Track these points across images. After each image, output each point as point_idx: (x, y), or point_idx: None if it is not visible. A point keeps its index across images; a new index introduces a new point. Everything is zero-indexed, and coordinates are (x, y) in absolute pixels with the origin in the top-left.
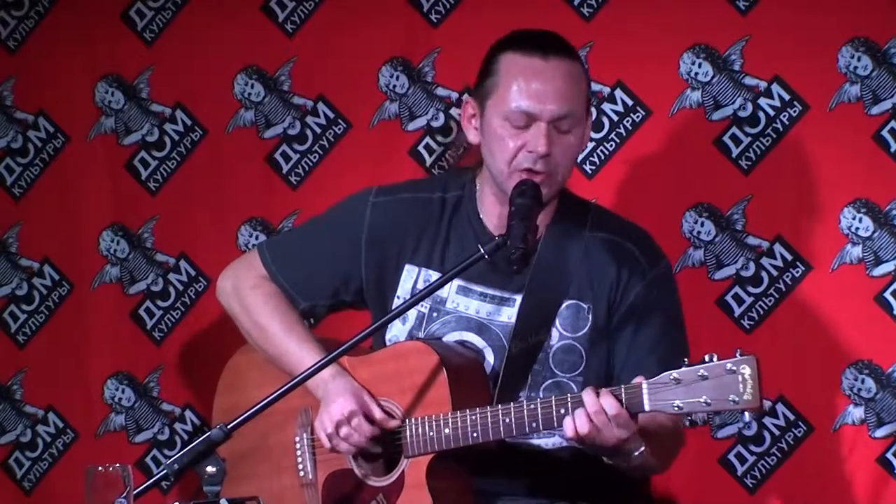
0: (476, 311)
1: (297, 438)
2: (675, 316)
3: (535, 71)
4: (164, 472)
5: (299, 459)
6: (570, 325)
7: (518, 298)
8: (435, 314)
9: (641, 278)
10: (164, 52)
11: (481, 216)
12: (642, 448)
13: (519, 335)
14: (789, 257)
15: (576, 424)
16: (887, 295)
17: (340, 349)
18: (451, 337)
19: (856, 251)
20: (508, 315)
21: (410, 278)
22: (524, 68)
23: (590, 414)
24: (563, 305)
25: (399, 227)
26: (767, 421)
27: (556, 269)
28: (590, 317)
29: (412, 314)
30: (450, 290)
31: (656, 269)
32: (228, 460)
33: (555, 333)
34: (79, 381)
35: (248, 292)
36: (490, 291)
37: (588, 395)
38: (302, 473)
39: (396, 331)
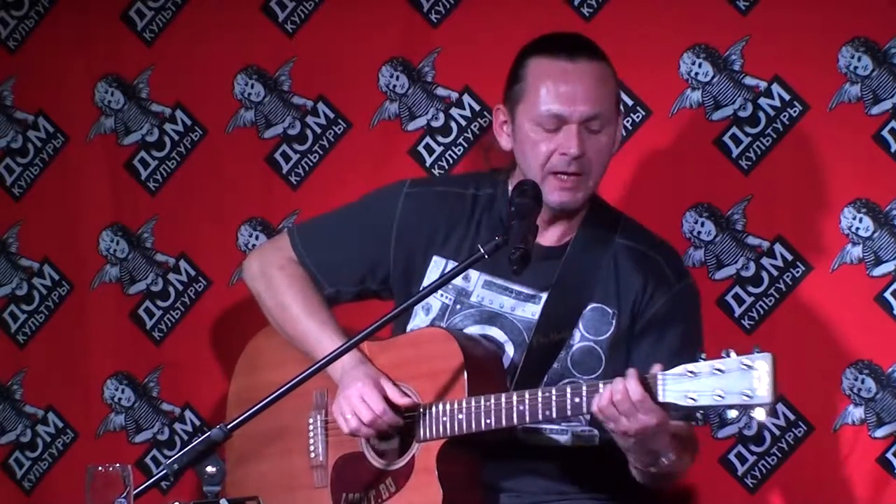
0: (500, 306)
1: (311, 420)
2: (695, 334)
3: (562, 73)
4: (164, 472)
5: (311, 441)
6: (594, 327)
7: (544, 296)
8: (458, 306)
9: (667, 291)
10: (164, 52)
11: None
12: (672, 457)
13: (541, 330)
14: (789, 257)
15: (599, 401)
16: (887, 295)
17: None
18: (472, 329)
19: (856, 251)
20: (532, 311)
21: (437, 269)
22: (552, 71)
23: (613, 393)
24: (588, 308)
25: (430, 217)
26: (768, 421)
27: (583, 271)
28: (614, 322)
29: (436, 305)
30: (476, 284)
31: (681, 284)
32: (240, 439)
33: (577, 334)
34: (79, 381)
35: (274, 272)
36: (517, 288)
37: (616, 379)
38: (313, 455)
39: (419, 321)
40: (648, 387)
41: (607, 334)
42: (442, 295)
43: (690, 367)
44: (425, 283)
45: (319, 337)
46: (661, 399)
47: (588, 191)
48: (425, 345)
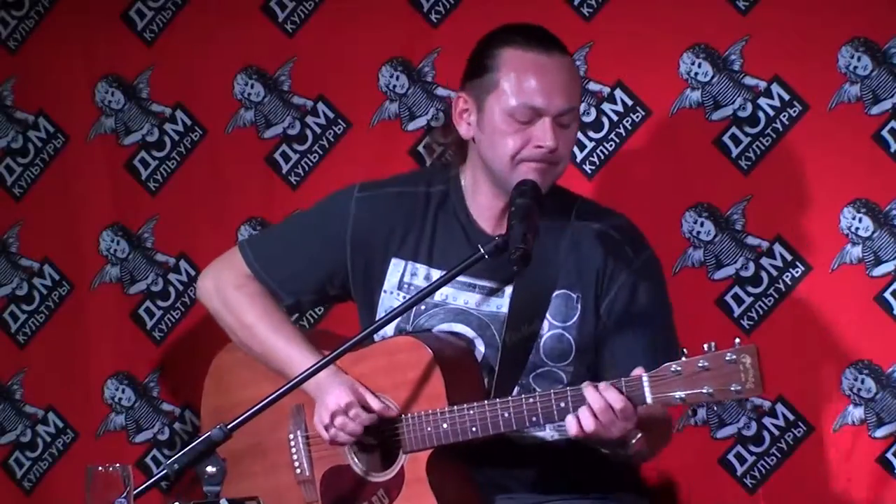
0: (465, 303)
1: (291, 436)
2: (663, 304)
3: (539, 66)
4: (164, 472)
5: (294, 457)
6: (561, 314)
7: (508, 289)
8: (423, 306)
9: (627, 267)
10: (164, 52)
11: (470, 211)
12: (639, 434)
13: (512, 326)
14: (789, 257)
15: (581, 423)
16: (887, 295)
17: (338, 351)
18: (440, 328)
19: (856, 251)
20: (498, 305)
21: (397, 272)
22: (528, 64)
23: (595, 411)
24: (554, 295)
25: (384, 220)
26: (767, 421)
27: (544, 259)
28: (579, 306)
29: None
30: None
31: (641, 258)
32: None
33: (545, 323)
34: (79, 381)
35: (231, 292)
36: (479, 282)
37: (590, 392)
38: (298, 471)
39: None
40: (632, 392)
41: (574, 319)
42: (404, 297)
43: (675, 366)
44: (386, 286)
45: (289, 353)
46: (648, 401)
47: (556, 177)
48: (397, 354)
